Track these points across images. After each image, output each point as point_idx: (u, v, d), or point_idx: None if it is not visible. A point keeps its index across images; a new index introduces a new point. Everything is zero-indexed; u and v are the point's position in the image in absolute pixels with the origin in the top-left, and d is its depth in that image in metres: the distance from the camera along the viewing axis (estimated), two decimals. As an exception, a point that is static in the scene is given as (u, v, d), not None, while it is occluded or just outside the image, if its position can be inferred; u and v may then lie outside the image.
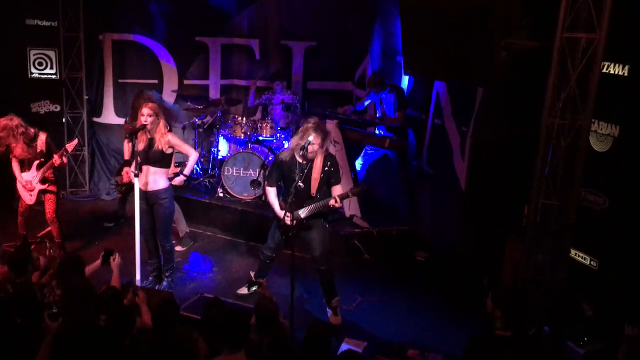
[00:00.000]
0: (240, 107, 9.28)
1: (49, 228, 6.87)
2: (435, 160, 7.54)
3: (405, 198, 7.87)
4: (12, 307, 4.03)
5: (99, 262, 5.13)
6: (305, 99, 9.07)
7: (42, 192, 6.58)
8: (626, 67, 4.78)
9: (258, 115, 9.16)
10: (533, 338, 4.83)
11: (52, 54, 8.68)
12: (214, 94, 9.55)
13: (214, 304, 4.43)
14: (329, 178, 5.49)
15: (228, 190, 8.08)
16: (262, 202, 7.77)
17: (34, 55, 8.60)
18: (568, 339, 4.87)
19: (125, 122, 8.06)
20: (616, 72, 4.85)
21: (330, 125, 7.56)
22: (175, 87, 9.39)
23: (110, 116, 9.39)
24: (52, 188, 6.61)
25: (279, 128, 8.43)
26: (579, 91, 4.79)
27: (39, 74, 8.67)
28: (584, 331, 4.87)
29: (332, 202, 5.37)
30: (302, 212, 5.49)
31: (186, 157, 6.15)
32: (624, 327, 4.19)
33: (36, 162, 6.44)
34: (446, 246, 7.03)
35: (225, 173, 8.06)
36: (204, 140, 9.06)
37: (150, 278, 6.24)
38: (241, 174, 8.04)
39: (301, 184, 5.41)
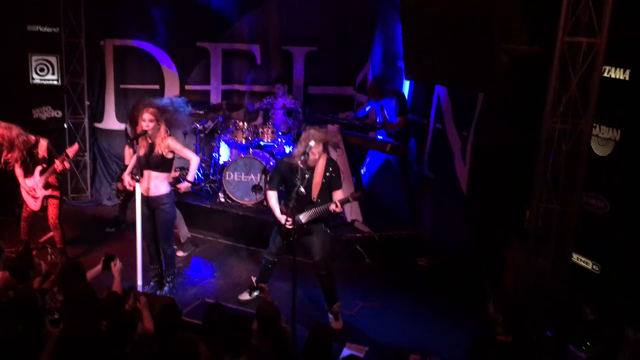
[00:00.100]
0: (241, 112, 9.29)
1: (51, 234, 6.87)
2: (436, 165, 7.54)
3: (407, 203, 7.87)
4: (14, 313, 4.03)
5: (100, 267, 5.13)
6: (306, 104, 9.08)
7: (45, 198, 6.59)
8: (627, 71, 4.79)
9: (259, 121, 9.17)
10: (535, 342, 4.82)
11: (53, 59, 8.70)
12: (215, 99, 9.56)
13: (215, 309, 4.42)
14: (331, 183, 5.49)
15: (229, 195, 8.08)
16: (264, 207, 7.77)
17: (35, 61, 8.62)
18: (570, 342, 4.86)
19: (126, 128, 8.06)
20: (617, 76, 4.85)
21: (332, 130, 7.56)
22: (177, 93, 9.38)
23: (111, 122, 9.40)
24: (56, 193, 6.61)
25: (280, 133, 8.43)
26: (580, 95, 4.80)
27: (41, 79, 8.69)
28: (586, 335, 4.85)
29: (332, 206, 5.37)
30: (303, 217, 5.49)
31: (187, 162, 6.15)
32: (625, 331, 4.18)
33: (39, 168, 6.45)
34: (447, 251, 7.02)
35: (227, 178, 8.06)
36: (206, 146, 9.07)
37: (152, 283, 6.24)
38: (242, 179, 8.04)
39: (303, 190, 5.41)
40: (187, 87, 9.49)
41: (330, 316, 5.81)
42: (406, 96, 7.97)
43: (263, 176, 7.75)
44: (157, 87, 9.40)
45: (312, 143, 5.31)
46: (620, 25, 4.67)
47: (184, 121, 6.58)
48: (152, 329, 4.21)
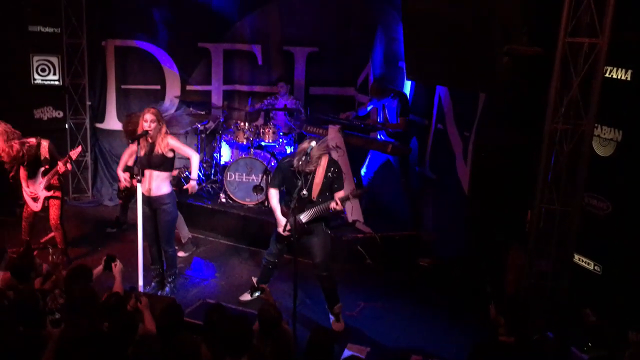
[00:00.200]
0: (242, 112, 9.30)
1: (52, 234, 6.87)
2: (437, 165, 7.54)
3: (408, 203, 7.86)
4: (15, 313, 4.03)
5: (101, 267, 5.13)
6: (308, 105, 9.08)
7: (46, 198, 6.59)
8: (629, 72, 4.78)
9: (260, 121, 9.17)
10: (537, 344, 4.81)
11: (55, 60, 8.70)
12: (216, 99, 9.56)
13: (217, 310, 4.42)
14: (332, 184, 5.48)
15: (230, 195, 8.08)
16: (265, 207, 7.77)
17: (36, 61, 8.62)
18: (572, 344, 4.85)
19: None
20: (619, 77, 4.84)
21: (333, 130, 7.57)
22: (178, 93, 9.40)
23: (112, 122, 9.40)
24: (57, 194, 6.61)
25: (281, 133, 8.44)
26: (581, 96, 4.79)
27: (42, 80, 8.69)
28: (588, 336, 4.84)
29: (332, 205, 5.35)
30: (304, 217, 5.48)
31: (188, 163, 6.15)
32: (627, 333, 4.17)
33: (41, 169, 6.45)
34: (449, 251, 7.01)
35: (228, 178, 8.07)
36: (207, 146, 9.08)
37: (153, 284, 6.24)
38: (243, 180, 8.04)
39: (305, 192, 5.40)
40: (188, 87, 9.50)
41: (332, 317, 5.80)
42: (408, 97, 7.97)
43: (264, 177, 7.75)
44: (158, 87, 9.41)
45: (313, 144, 5.31)
46: (622, 26, 4.66)
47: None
48: (153, 329, 4.21)
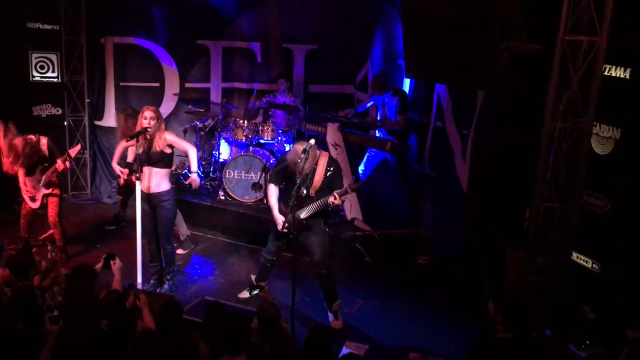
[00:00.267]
0: (241, 110, 9.29)
1: (51, 231, 6.88)
2: (436, 163, 7.54)
3: (406, 201, 7.87)
4: (14, 310, 4.03)
5: (100, 265, 5.13)
6: (307, 102, 9.08)
7: (45, 196, 6.59)
8: (628, 70, 4.78)
9: (259, 119, 9.17)
10: (535, 341, 4.82)
11: (53, 57, 8.69)
12: (215, 97, 9.56)
13: (215, 307, 4.42)
14: (331, 182, 5.47)
15: (229, 193, 8.08)
16: (264, 205, 7.77)
17: (35, 58, 8.61)
18: (569, 342, 4.86)
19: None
20: (618, 75, 4.84)
21: (332, 128, 7.57)
22: (177, 91, 9.40)
23: (111, 119, 9.36)
24: (56, 192, 6.62)
25: (280, 131, 8.44)
26: (580, 94, 4.80)
27: (41, 77, 8.69)
28: (586, 334, 4.86)
29: (331, 199, 5.35)
30: (302, 213, 5.48)
31: (185, 160, 6.16)
32: (625, 331, 4.17)
33: (40, 167, 6.45)
34: (448, 249, 7.01)
35: (227, 176, 8.06)
36: (206, 144, 9.07)
37: (152, 281, 6.25)
38: (242, 177, 8.04)
39: (304, 191, 5.40)
40: (187, 84, 9.49)
41: (330, 315, 5.80)
42: (408, 94, 7.97)
43: (263, 174, 7.75)
44: (157, 84, 9.41)
45: (312, 141, 5.31)
46: (621, 24, 4.67)
47: None
48: (152, 326, 4.21)
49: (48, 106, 8.83)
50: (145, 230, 5.93)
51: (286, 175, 5.56)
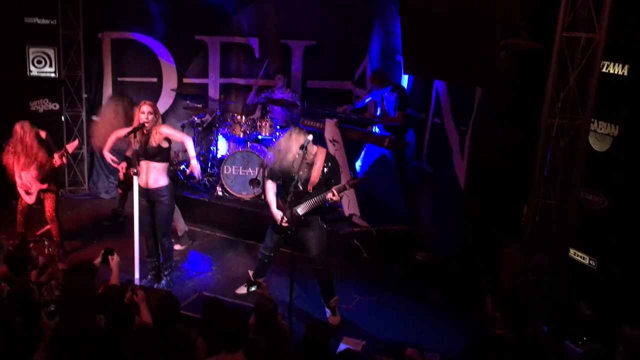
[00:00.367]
0: (239, 105, 9.29)
1: (48, 226, 6.87)
2: (434, 160, 7.54)
3: (404, 197, 7.87)
4: (11, 305, 4.03)
5: (98, 260, 5.12)
6: (305, 98, 9.07)
7: (41, 191, 6.58)
8: (626, 67, 4.78)
9: (257, 114, 9.16)
10: (532, 338, 4.83)
11: (51, 52, 8.66)
12: (213, 92, 9.55)
13: (213, 303, 4.43)
14: (329, 179, 5.47)
15: (227, 189, 8.07)
16: (261, 201, 7.76)
17: (33, 53, 8.58)
18: (567, 338, 4.87)
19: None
20: (616, 72, 4.84)
21: (330, 124, 7.57)
22: (175, 86, 9.38)
23: (109, 115, 9.37)
24: (52, 187, 6.61)
25: (278, 127, 8.43)
26: (578, 91, 4.80)
27: (38, 72, 8.66)
28: (583, 331, 4.87)
29: (329, 195, 5.35)
30: (300, 209, 5.48)
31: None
32: (622, 327, 4.19)
33: (35, 162, 6.44)
34: (445, 245, 7.02)
35: (225, 172, 8.05)
36: (203, 139, 9.06)
37: (149, 277, 6.24)
38: (240, 173, 8.03)
39: (300, 186, 5.40)
40: (185, 80, 9.48)
41: (328, 311, 5.81)
42: (406, 90, 7.96)
43: (261, 170, 7.75)
44: (155, 80, 9.40)
45: (310, 137, 5.31)
46: (620, 21, 4.66)
47: None
48: (149, 322, 4.21)
49: (45, 101, 8.81)
50: (143, 226, 5.92)
51: (284, 171, 5.55)
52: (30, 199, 6.58)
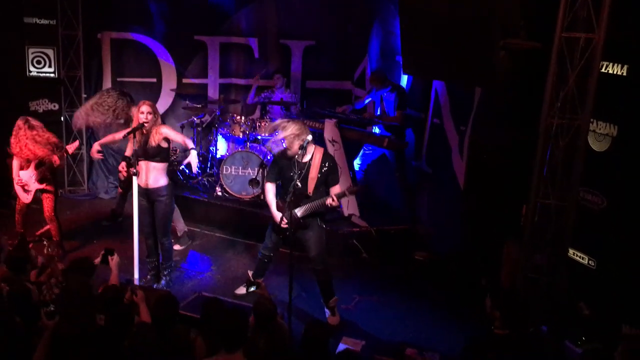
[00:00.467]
0: (238, 106, 9.29)
1: (47, 226, 6.87)
2: (434, 160, 7.55)
3: (404, 198, 7.87)
4: (11, 305, 4.03)
5: (97, 260, 5.12)
6: (304, 98, 9.08)
7: (40, 191, 6.58)
8: (625, 67, 4.78)
9: (257, 114, 9.16)
10: (531, 337, 4.83)
11: (50, 52, 8.66)
12: (212, 92, 9.55)
13: (212, 303, 4.43)
14: (327, 178, 5.48)
15: (227, 189, 8.07)
16: (261, 201, 7.76)
17: (32, 53, 8.58)
18: (566, 338, 4.87)
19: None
20: (615, 72, 4.84)
21: (329, 124, 7.57)
22: (174, 86, 9.39)
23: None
24: (50, 187, 6.61)
25: (277, 127, 8.41)
26: (577, 91, 4.80)
27: (38, 72, 8.66)
28: (582, 330, 4.87)
29: (329, 200, 5.36)
30: (299, 211, 5.48)
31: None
32: (621, 327, 4.19)
33: (34, 161, 6.44)
34: (445, 245, 7.03)
35: (224, 172, 8.05)
36: (203, 139, 9.06)
37: (149, 277, 6.24)
38: (240, 173, 8.03)
39: (299, 184, 5.41)
40: (184, 80, 9.49)
41: (327, 311, 5.81)
42: (406, 90, 7.96)
43: (260, 170, 7.75)
44: (154, 80, 9.40)
45: (309, 137, 5.31)
46: (619, 21, 4.67)
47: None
48: (149, 322, 4.21)
49: (45, 101, 8.81)
50: (142, 226, 5.92)
51: (282, 172, 5.54)
52: (27, 198, 6.58)
